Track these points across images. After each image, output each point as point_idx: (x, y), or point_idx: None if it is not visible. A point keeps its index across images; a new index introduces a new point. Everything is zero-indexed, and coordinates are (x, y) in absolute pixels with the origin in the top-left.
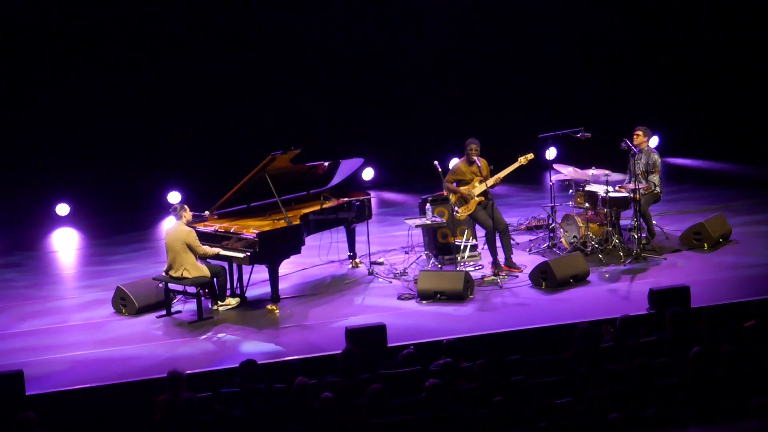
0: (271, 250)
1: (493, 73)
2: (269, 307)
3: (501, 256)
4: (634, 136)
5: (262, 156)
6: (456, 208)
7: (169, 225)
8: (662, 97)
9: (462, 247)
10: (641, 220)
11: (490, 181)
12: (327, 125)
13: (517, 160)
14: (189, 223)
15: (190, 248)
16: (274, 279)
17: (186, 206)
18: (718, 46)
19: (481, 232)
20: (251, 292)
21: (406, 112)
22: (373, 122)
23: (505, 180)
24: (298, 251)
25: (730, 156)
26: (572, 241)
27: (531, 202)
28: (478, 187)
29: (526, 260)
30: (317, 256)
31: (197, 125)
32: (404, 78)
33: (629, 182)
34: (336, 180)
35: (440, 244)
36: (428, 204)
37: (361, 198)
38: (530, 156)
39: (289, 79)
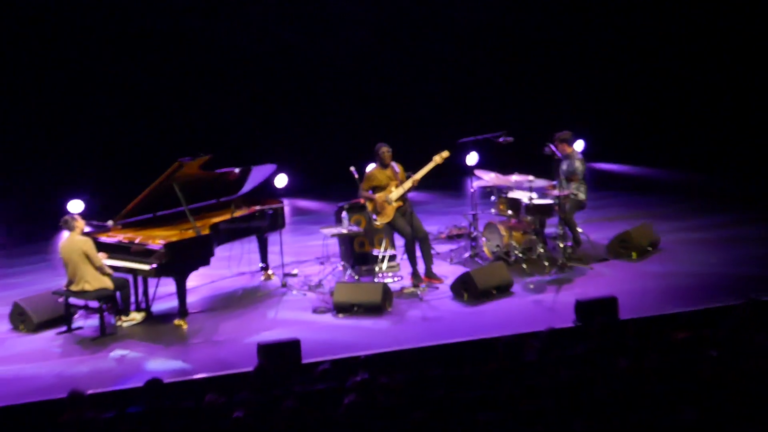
0: (179, 261)
1: (411, 76)
2: (177, 322)
3: (421, 267)
4: (557, 143)
5: (170, 162)
6: (374, 216)
7: (64, 238)
8: (586, 101)
9: (380, 257)
10: (566, 228)
11: (407, 184)
12: (238, 130)
13: (432, 160)
14: (87, 233)
15: (89, 258)
16: (181, 292)
17: (76, 216)
18: (641, 50)
19: (399, 241)
20: (157, 307)
21: (320, 116)
22: (286, 127)
23: (424, 186)
24: (207, 263)
25: (654, 161)
26: (495, 250)
27: (451, 210)
28: (395, 192)
29: (447, 270)
30: (227, 268)
31: (101, 130)
32: (318, 80)
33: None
34: (247, 187)
35: (357, 254)
36: (344, 212)
37: (274, 206)
38: (445, 154)
39: (199, 83)
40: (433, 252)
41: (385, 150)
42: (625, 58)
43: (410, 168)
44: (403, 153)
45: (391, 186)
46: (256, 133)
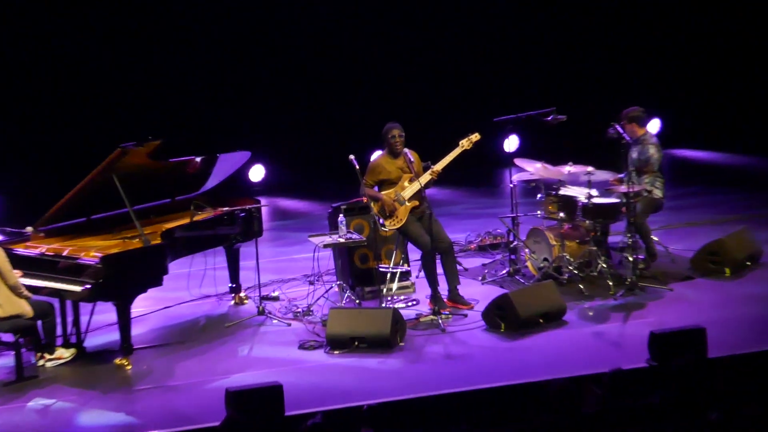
0: (121, 280)
1: (430, 39)
2: (118, 361)
3: (443, 287)
4: (624, 123)
5: (110, 150)
6: (381, 221)
7: None
8: (662, 71)
9: (389, 274)
10: (636, 235)
11: (425, 177)
12: (203, 109)
13: (458, 145)
14: None
15: (1, 275)
16: (124, 322)
17: None
18: (737, 10)
19: (415, 253)
20: (92, 341)
21: (309, 91)
22: (265, 104)
23: (447, 181)
24: (158, 282)
25: (752, 147)
26: (542, 265)
27: (484, 212)
28: (409, 188)
29: (478, 292)
30: (186, 289)
31: (16, 109)
32: (305, 46)
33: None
34: (212, 182)
35: (358, 271)
36: (341, 215)
37: (248, 207)
38: (475, 137)
39: (151, 49)
40: (459, 268)
41: (396, 133)
42: (712, 15)
43: (429, 156)
44: (420, 137)
45: (404, 180)
46: (226, 113)
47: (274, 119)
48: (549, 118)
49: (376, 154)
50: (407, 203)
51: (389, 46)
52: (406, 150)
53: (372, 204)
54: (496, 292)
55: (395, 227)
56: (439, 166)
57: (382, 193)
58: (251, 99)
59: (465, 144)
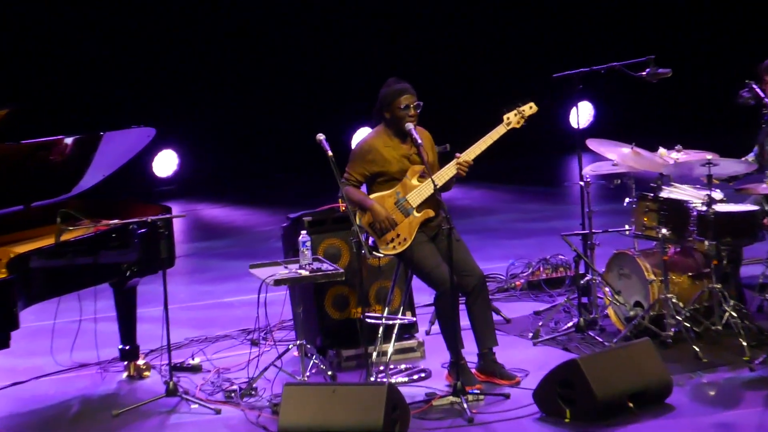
0: None
1: None
2: None
3: (470, 350)
4: (766, 82)
5: None
6: (370, 241)
7: None
8: None
9: (382, 329)
10: None
11: (446, 173)
12: (84, 68)
13: (502, 121)
14: None
15: None
16: None
17: None
18: None
19: (425, 293)
20: None
21: (248, 39)
22: (178, 62)
23: (477, 175)
24: (3, 342)
25: None
26: (632, 314)
27: (537, 227)
28: (419, 187)
29: (528, 358)
30: (49, 354)
31: None
32: None
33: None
34: (93, 178)
35: (332, 324)
36: (304, 232)
37: (151, 219)
38: (528, 109)
39: None
40: (497, 318)
41: (408, 100)
42: None
43: (457, 143)
44: (443, 110)
45: (412, 176)
46: (123, 73)
47: (194, 81)
48: (644, 73)
49: (363, 133)
50: (415, 213)
51: None
52: (412, 128)
53: (357, 214)
54: (557, 357)
55: (394, 252)
56: (471, 154)
57: (374, 195)
58: (157, 56)
59: (513, 119)
